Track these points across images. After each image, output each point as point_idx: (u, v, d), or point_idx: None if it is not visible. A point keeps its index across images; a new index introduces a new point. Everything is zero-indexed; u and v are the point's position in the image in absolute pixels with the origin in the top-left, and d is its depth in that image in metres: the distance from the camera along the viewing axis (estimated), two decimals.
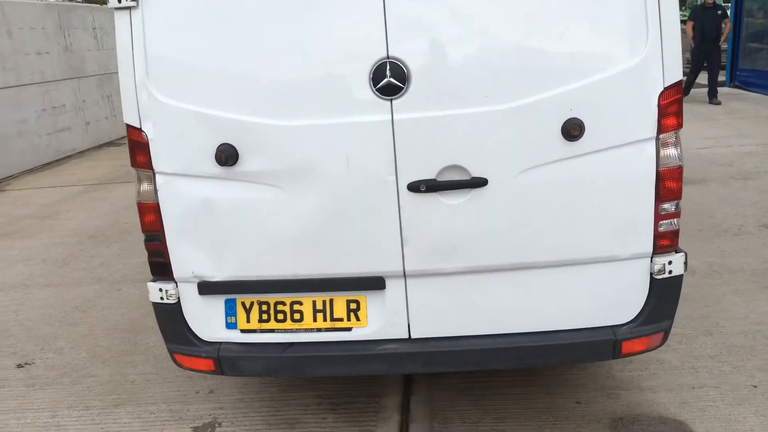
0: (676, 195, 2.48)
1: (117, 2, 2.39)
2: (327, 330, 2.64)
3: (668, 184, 2.45)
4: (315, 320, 2.64)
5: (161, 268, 2.67)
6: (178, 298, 2.69)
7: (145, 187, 2.58)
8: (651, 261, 2.53)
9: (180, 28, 2.42)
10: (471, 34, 2.34)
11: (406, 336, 2.62)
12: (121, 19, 2.42)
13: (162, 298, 2.70)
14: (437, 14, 2.32)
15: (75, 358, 3.87)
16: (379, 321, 2.61)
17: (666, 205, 2.47)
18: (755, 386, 3.11)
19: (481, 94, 2.35)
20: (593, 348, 2.58)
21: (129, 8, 2.40)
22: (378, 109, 2.37)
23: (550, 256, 2.51)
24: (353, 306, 2.62)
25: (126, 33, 2.43)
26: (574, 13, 2.32)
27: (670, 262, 2.53)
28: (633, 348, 2.60)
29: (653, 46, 2.32)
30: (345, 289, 2.60)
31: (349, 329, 2.63)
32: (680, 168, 2.46)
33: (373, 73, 2.33)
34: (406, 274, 2.55)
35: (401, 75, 2.33)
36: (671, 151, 2.43)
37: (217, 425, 3.12)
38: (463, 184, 2.42)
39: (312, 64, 2.37)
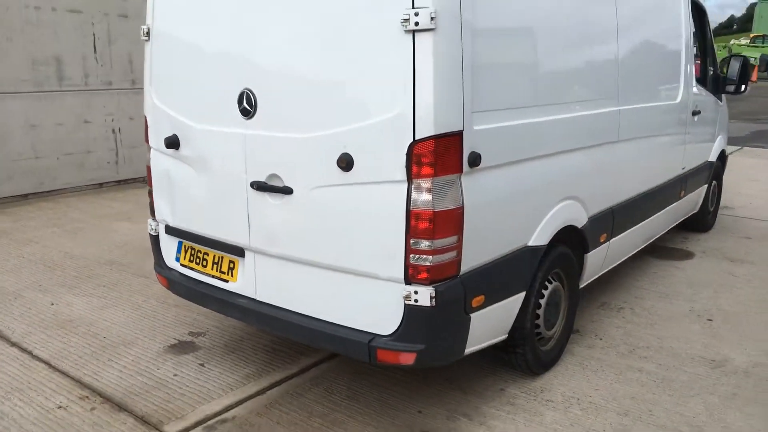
0: (425, 235, 2.82)
1: (144, 36, 3.80)
2: (216, 277, 3.66)
3: (418, 224, 2.83)
4: (212, 269, 3.69)
5: (151, 211, 4.03)
6: (158, 232, 4.03)
7: (147, 156, 3.96)
8: (403, 287, 2.91)
9: (164, 56, 3.72)
10: (292, 80, 3.11)
11: (254, 296, 3.49)
12: (145, 49, 3.83)
13: (151, 230, 4.06)
14: (275, 61, 3.16)
15: None
16: (241, 280, 3.54)
17: (416, 242, 2.85)
18: None
19: (293, 124, 3.10)
20: (353, 346, 3.07)
21: (146, 41, 3.79)
22: (240, 124, 3.31)
23: (329, 260, 3.11)
24: (231, 265, 3.59)
25: (146, 57, 3.82)
26: (352, 73, 2.90)
27: (416, 292, 2.88)
28: (387, 358, 3.01)
29: (406, 104, 2.75)
30: (228, 251, 3.59)
31: (226, 281, 3.61)
32: (432, 212, 2.80)
33: (239, 98, 3.28)
34: (252, 249, 3.42)
35: (251, 102, 3.23)
36: (423, 196, 2.81)
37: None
38: (277, 190, 3.20)
39: (214, 89, 3.43)
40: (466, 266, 3.01)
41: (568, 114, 3.66)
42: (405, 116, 2.76)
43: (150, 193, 4.01)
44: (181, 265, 3.88)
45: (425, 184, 2.80)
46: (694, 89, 5.77)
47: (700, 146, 6.19)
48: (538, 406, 3.58)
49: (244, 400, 3.61)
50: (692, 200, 6.30)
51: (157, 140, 3.81)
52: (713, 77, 6.45)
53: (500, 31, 3.12)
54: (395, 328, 2.98)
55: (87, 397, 3.64)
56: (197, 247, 3.76)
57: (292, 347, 4.19)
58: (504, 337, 3.51)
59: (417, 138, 2.76)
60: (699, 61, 6.37)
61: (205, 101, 3.49)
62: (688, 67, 5.50)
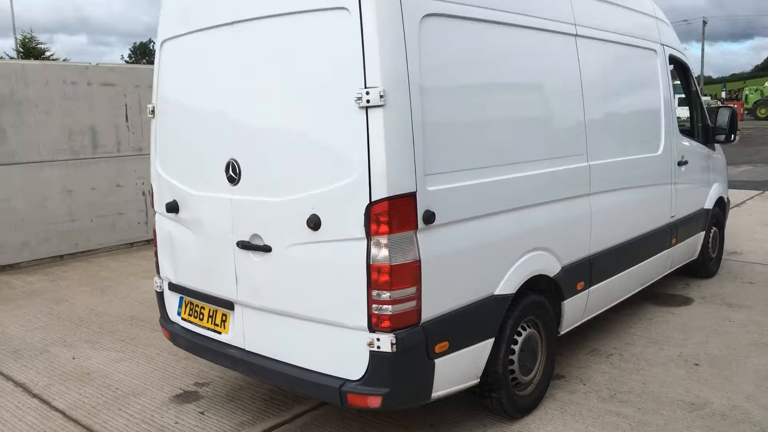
0: (384, 287, 3.12)
1: (150, 114, 4.26)
2: (211, 330, 4.00)
3: (378, 277, 3.13)
4: (208, 321, 4.03)
5: (157, 269, 4.42)
6: (163, 289, 4.40)
7: (154, 220, 4.38)
8: (367, 334, 3.20)
9: (166, 131, 4.16)
10: (270, 150, 3.49)
11: (243, 346, 3.80)
12: (151, 125, 4.28)
13: (157, 287, 4.44)
14: (256, 134, 3.55)
15: None
16: (232, 331, 3.86)
17: (377, 293, 3.14)
18: None
19: (270, 189, 3.47)
20: (326, 390, 3.34)
21: (152, 118, 4.24)
22: (228, 190, 3.69)
23: (304, 311, 3.42)
24: (223, 318, 3.93)
25: (152, 132, 4.27)
26: (319, 143, 3.27)
27: (378, 339, 3.16)
28: (356, 402, 3.27)
29: (362, 170, 3.09)
30: (220, 305, 3.93)
31: (219, 333, 3.94)
32: (389, 266, 3.10)
33: (226, 167, 3.68)
34: (240, 303, 3.76)
35: (236, 171, 3.62)
36: (381, 251, 3.12)
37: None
38: (259, 248, 3.55)
39: (205, 159, 3.83)
40: (427, 314, 3.29)
41: (529, 172, 3.94)
42: (362, 181, 3.10)
43: (155, 254, 4.40)
44: (182, 319, 4.23)
45: (383, 240, 3.11)
46: (680, 140, 6.00)
47: (691, 194, 6.36)
48: None
49: None
50: (689, 247, 6.45)
51: (160, 205, 4.22)
52: (702, 128, 6.67)
53: (453, 101, 3.44)
54: (362, 373, 3.25)
55: None
56: (195, 302, 4.11)
57: (288, 396, 4.46)
58: (476, 381, 3.73)
59: (373, 200, 3.09)
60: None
61: (199, 170, 3.90)
62: (669, 120, 5.74)
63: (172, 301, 4.33)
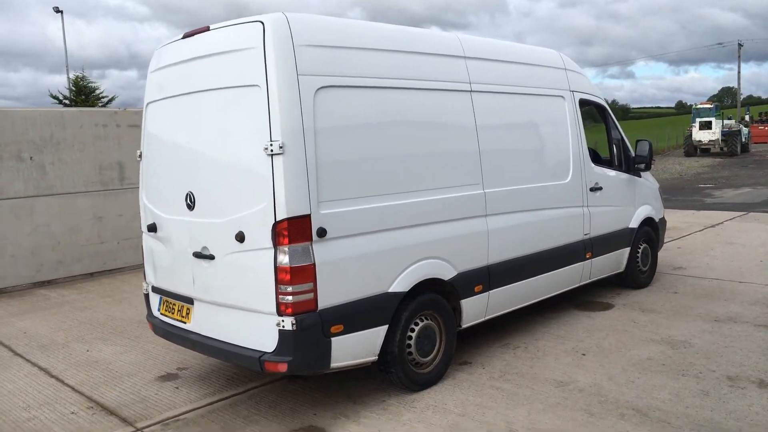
0: (286, 282, 4.31)
1: (138, 158, 5.59)
2: (179, 321, 5.25)
3: (280, 276, 4.34)
4: (177, 314, 5.28)
5: (144, 276, 5.72)
6: (148, 291, 5.70)
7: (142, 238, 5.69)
8: (276, 317, 4.40)
9: (149, 171, 5.48)
10: (212, 185, 4.75)
11: (199, 331, 5.04)
12: (140, 166, 5.62)
13: (144, 290, 5.74)
14: (203, 173, 4.83)
15: None
16: (193, 321, 5.10)
17: (281, 287, 4.34)
18: None
19: (213, 212, 4.73)
20: (250, 361, 4.53)
21: (140, 161, 5.58)
22: (187, 214, 4.97)
23: (236, 302, 4.64)
24: (187, 311, 5.17)
25: (140, 172, 5.61)
26: (244, 179, 4.51)
27: (283, 321, 4.35)
28: (271, 368, 4.44)
29: (269, 199, 4.31)
30: (184, 301, 5.18)
31: (185, 323, 5.19)
32: (289, 267, 4.30)
33: (185, 197, 4.96)
34: (197, 299, 5.01)
35: (192, 200, 4.90)
36: (282, 257, 4.32)
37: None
38: (206, 257, 4.81)
39: (172, 190, 5.11)
40: (324, 303, 4.46)
41: (419, 198, 5.10)
42: (270, 206, 4.32)
43: (143, 264, 5.71)
44: (161, 313, 5.50)
45: (285, 249, 4.32)
46: (592, 169, 7.06)
47: (610, 215, 7.38)
48: (402, 410, 4.90)
49: (196, 409, 5.11)
50: (610, 260, 7.46)
51: (144, 226, 5.53)
52: (624, 158, 7.70)
53: (344, 148, 4.62)
54: (274, 346, 4.44)
55: (92, 407, 5.24)
56: (169, 299, 5.38)
57: (247, 375, 5.67)
58: (374, 358, 4.88)
59: (277, 219, 4.31)
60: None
61: (169, 199, 5.19)
62: (578, 153, 6.83)
63: (154, 300, 5.61)
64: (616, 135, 7.67)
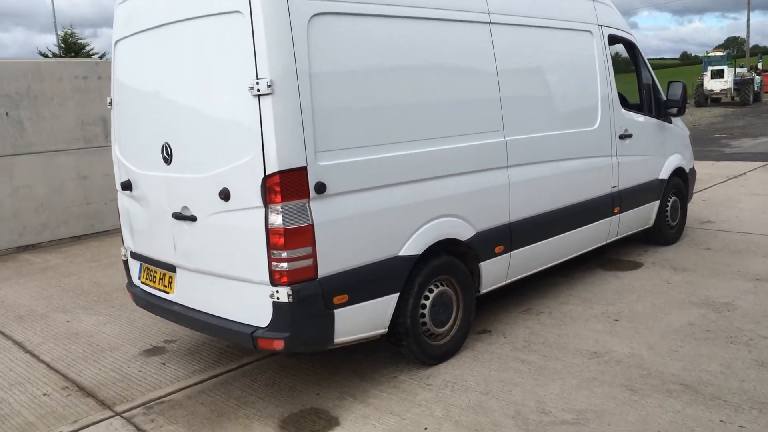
0: (280, 247, 3.67)
1: (108, 106, 4.89)
2: (161, 290, 4.62)
3: (273, 239, 3.68)
4: (159, 283, 4.65)
5: (122, 240, 5.07)
6: (127, 257, 5.06)
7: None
8: (270, 288, 3.76)
9: (120, 120, 4.78)
10: (191, 135, 4.06)
11: (183, 303, 4.42)
12: (111, 115, 4.92)
13: (123, 256, 5.10)
14: (181, 121, 4.13)
15: None
16: (175, 290, 4.48)
17: (274, 252, 3.70)
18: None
19: (193, 167, 4.05)
20: (242, 337, 3.92)
21: (110, 109, 4.87)
22: (163, 169, 4.29)
23: (222, 270, 4.00)
24: (170, 280, 4.54)
25: (111, 121, 4.91)
26: (226, 128, 3.82)
27: (277, 291, 3.72)
28: (265, 345, 3.84)
29: (258, 150, 3.62)
30: (166, 269, 4.54)
31: (167, 293, 4.56)
32: (282, 229, 3.65)
33: (161, 149, 4.27)
34: (179, 266, 4.37)
35: (169, 152, 4.21)
36: (275, 217, 3.66)
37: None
38: (187, 218, 4.14)
39: (147, 143, 4.43)
40: (325, 270, 3.82)
41: (432, 147, 4.41)
42: (258, 158, 3.64)
43: (120, 227, 5.06)
44: (142, 282, 4.87)
45: (277, 207, 3.66)
46: (622, 115, 6.34)
47: (640, 166, 6.69)
48: (416, 388, 4.30)
49: (183, 389, 4.52)
50: (639, 215, 6.80)
51: (118, 184, 4.86)
52: (654, 102, 6.97)
53: (345, 88, 3.92)
54: (269, 321, 3.82)
55: (67, 387, 4.66)
56: (150, 267, 4.74)
57: (240, 350, 5.08)
58: (383, 331, 4.26)
59: (267, 173, 3.63)
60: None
61: (144, 152, 4.51)
62: (607, 96, 6.10)
63: (134, 267, 4.98)
64: (646, 76, 6.92)
